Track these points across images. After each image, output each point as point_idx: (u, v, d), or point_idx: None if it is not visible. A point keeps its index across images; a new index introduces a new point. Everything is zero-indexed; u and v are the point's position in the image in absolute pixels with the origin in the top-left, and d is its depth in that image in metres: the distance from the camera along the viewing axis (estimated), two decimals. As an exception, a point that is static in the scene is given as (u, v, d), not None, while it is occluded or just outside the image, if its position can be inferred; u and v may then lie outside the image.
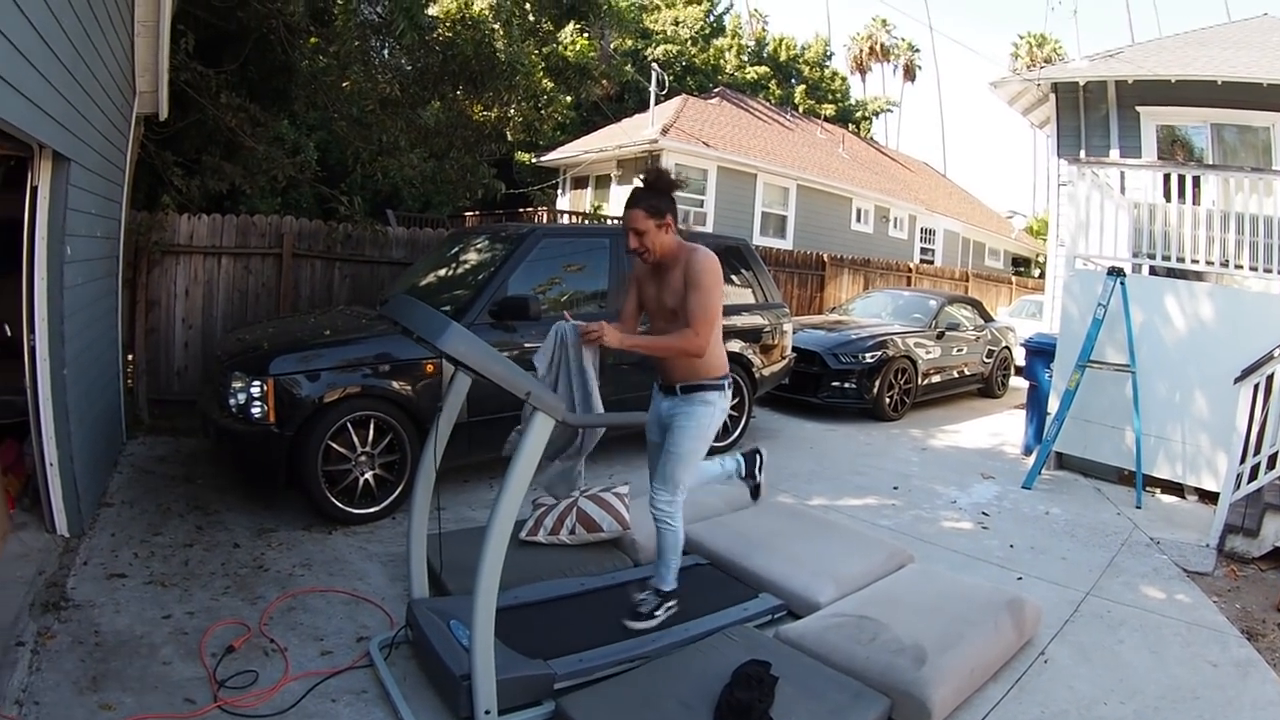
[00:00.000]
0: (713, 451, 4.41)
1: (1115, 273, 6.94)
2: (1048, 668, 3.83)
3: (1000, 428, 9.85)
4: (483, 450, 5.42)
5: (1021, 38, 43.57)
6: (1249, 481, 5.61)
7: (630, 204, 3.60)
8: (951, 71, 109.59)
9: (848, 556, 4.59)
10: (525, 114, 12.07)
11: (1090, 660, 3.93)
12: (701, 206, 17.67)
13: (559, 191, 21.17)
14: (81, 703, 3.02)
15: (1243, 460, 5.63)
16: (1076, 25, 31.23)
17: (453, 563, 4.07)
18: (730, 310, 7.17)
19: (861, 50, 48.74)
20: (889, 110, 41.58)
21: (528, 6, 11.52)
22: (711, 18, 32.81)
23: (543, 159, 20.54)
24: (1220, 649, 4.10)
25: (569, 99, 14.73)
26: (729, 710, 2.99)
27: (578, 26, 13.05)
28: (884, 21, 48.57)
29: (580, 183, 20.37)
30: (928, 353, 10.45)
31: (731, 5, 36.33)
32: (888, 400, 9.74)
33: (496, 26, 10.37)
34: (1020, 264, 30.73)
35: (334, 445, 5.08)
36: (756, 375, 7.85)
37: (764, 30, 37.85)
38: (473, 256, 6.80)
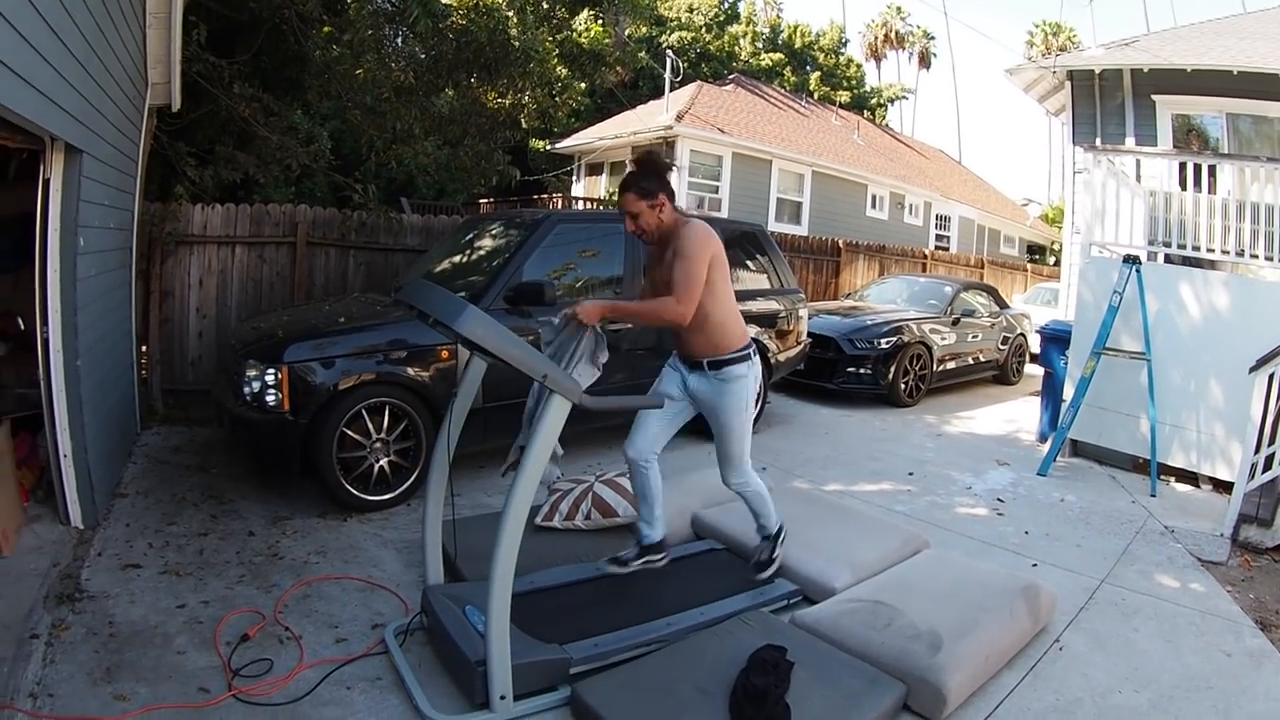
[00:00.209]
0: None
1: (1131, 260, 6.89)
2: (1063, 655, 3.82)
3: (1015, 414, 9.81)
4: (498, 436, 5.42)
5: (1037, 26, 43.40)
6: (1264, 471, 5.56)
7: (622, 188, 3.71)
8: (966, 59, 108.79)
9: (863, 542, 4.58)
10: (539, 101, 12.01)
11: (1105, 648, 3.91)
12: (716, 193, 17.63)
13: (574, 178, 21.13)
14: (96, 694, 3.03)
15: (1257, 450, 5.58)
16: (1092, 14, 31.06)
17: (468, 549, 4.08)
18: (745, 295, 7.14)
19: (876, 37, 48.41)
20: (904, 97, 41.25)
21: (542, -8, 11.49)
22: (726, 4, 32.67)
23: (557, 146, 20.49)
24: (1234, 639, 4.08)
25: (583, 86, 14.65)
26: (745, 695, 2.99)
27: (592, 13, 12.98)
28: (899, 9, 48.25)
29: (595, 169, 20.33)
30: (943, 339, 10.41)
31: (746, -8, 36.15)
32: (903, 386, 9.72)
33: (510, 14, 10.31)
34: (1035, 251, 30.55)
35: (349, 432, 5.09)
36: (772, 360, 7.83)
37: (779, 17, 37.65)
38: (488, 243, 6.79)
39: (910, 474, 6.81)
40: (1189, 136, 11.25)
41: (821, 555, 4.35)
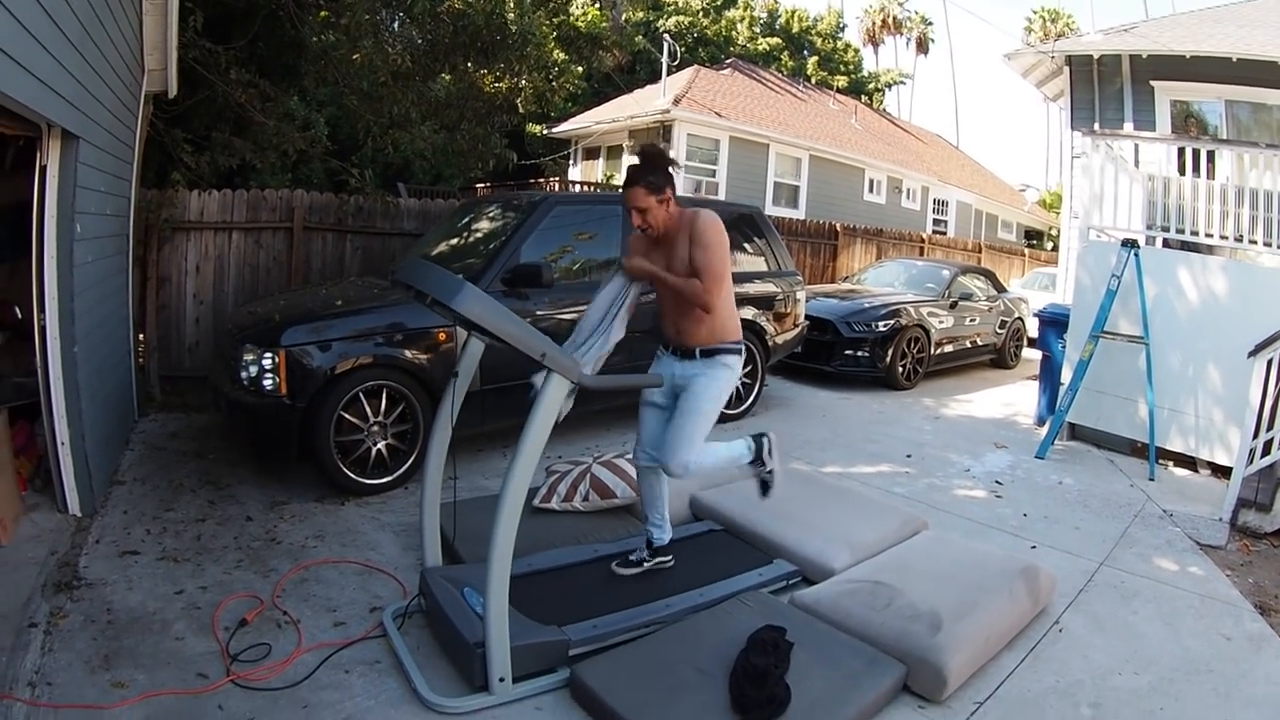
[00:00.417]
0: (724, 419, 4.39)
1: (1129, 244, 6.88)
2: (1062, 637, 3.83)
3: (1013, 398, 9.81)
4: (496, 419, 5.43)
5: (1035, 12, 43.05)
6: (1262, 456, 5.56)
7: (629, 183, 3.62)
8: (964, 44, 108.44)
9: (862, 523, 4.59)
10: (537, 85, 11.97)
11: (1104, 630, 3.92)
12: (714, 176, 17.58)
13: (570, 162, 21.07)
14: (94, 681, 3.02)
15: (1255, 435, 5.57)
16: (1090, 0, 30.83)
17: (466, 531, 4.08)
18: (743, 277, 7.14)
19: (874, 23, 48.16)
20: (902, 82, 41.06)
21: (539, -24, 11.44)
22: (723, -11, 32.49)
23: (554, 130, 20.42)
24: (1233, 622, 4.09)
25: (580, 70, 14.64)
26: (745, 676, 2.99)
27: (589, -3, 12.94)
28: (897, -6, 48.08)
29: (592, 153, 20.28)
30: (940, 322, 10.40)
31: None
32: (900, 369, 9.71)
33: (507, -2, 10.29)
34: (1033, 237, 30.53)
35: (346, 416, 5.07)
36: (769, 343, 7.83)
37: (776, 2, 37.46)
38: (485, 225, 6.77)
39: (908, 456, 6.82)
40: (1187, 123, 11.24)
41: (820, 536, 4.35)
